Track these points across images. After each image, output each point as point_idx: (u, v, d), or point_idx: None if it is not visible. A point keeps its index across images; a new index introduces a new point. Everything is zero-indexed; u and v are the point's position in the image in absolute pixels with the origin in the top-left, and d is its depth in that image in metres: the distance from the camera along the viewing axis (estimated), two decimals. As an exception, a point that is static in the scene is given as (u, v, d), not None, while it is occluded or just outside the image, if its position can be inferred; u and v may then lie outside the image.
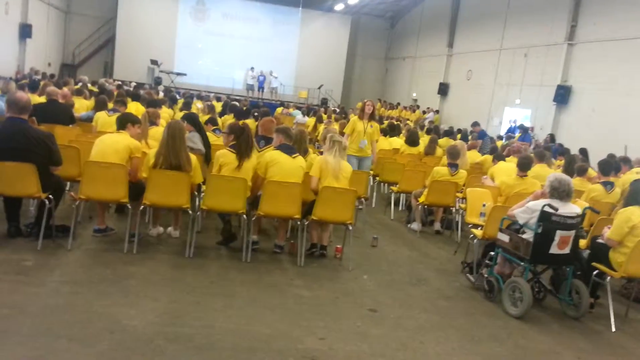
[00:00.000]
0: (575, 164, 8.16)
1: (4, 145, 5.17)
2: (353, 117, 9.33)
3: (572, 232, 5.04)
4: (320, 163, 6.14)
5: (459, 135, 14.12)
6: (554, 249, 4.99)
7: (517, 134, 17.53)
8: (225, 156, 5.94)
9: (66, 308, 4.15)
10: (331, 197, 5.92)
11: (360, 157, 8.83)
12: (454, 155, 7.99)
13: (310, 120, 15.41)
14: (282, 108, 18.75)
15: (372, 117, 8.97)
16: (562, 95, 17.78)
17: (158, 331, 3.95)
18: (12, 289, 4.38)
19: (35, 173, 5.20)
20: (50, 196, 5.42)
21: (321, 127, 12.75)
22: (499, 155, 9.15)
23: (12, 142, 5.20)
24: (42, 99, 9.05)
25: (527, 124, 19.16)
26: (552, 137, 16.75)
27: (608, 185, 7.26)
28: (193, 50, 29.95)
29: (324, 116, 15.96)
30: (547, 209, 4.92)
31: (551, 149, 13.05)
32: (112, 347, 3.65)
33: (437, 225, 8.22)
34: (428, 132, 14.37)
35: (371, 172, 9.28)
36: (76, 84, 15.52)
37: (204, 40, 30.27)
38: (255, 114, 11.77)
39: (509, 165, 7.97)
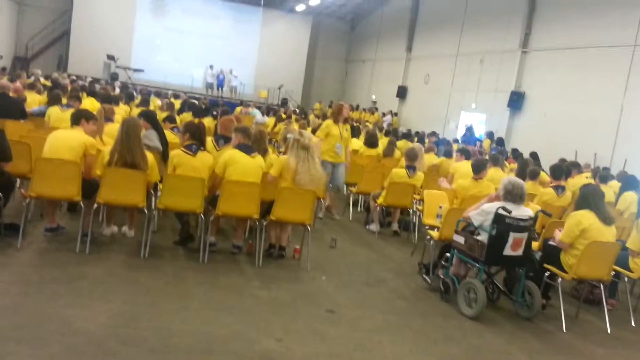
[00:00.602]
0: (528, 168, 8.40)
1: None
2: (327, 121, 8.65)
3: (525, 234, 5.18)
4: (282, 163, 6.11)
5: (416, 138, 14.33)
6: (507, 251, 5.11)
7: (485, 139, 17.95)
8: (179, 156, 5.86)
9: (15, 309, 4.00)
10: (290, 198, 5.91)
11: (336, 164, 8.39)
12: (411, 157, 8.10)
13: (270, 120, 15.35)
14: (241, 107, 18.61)
15: (346, 120, 8.67)
16: (516, 101, 18.27)
17: (111, 333, 3.85)
18: (-44, 289, 4.21)
19: (-18, 169, 5.00)
20: (-1, 193, 5.22)
21: (281, 127, 12.72)
22: (462, 150, 9.38)
23: (-41, 136, 4.99)
24: (-8, 93, 8.72)
25: (482, 129, 19.67)
26: (499, 141, 17.22)
27: (559, 189, 7.49)
28: (151, 46, 29.38)
29: (284, 116, 15.93)
30: (501, 211, 5.04)
31: (503, 153, 13.44)
32: (63, 350, 3.53)
33: (394, 226, 8.31)
34: (386, 134, 14.52)
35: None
36: (28, 77, 15.01)
37: (162, 36, 29.73)
38: (215, 112, 11.64)
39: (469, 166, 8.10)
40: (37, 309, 4.07)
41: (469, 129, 19.17)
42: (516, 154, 13.22)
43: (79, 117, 5.82)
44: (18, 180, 6.17)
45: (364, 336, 4.51)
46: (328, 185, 8.02)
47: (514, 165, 10.47)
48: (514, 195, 5.16)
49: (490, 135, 18.29)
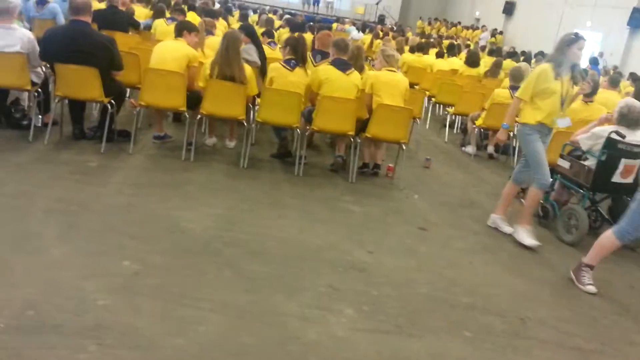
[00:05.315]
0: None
1: (68, 48, 5.25)
2: (542, 67, 4.74)
3: (638, 161, 4.84)
4: (371, 79, 6.01)
5: (522, 57, 13.50)
6: (616, 178, 4.83)
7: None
8: (277, 70, 5.89)
9: (129, 208, 4.34)
10: (386, 115, 5.83)
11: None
12: (516, 77, 7.64)
13: (366, 37, 14.99)
14: (337, 24, 18.26)
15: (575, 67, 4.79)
16: (638, 19, 16.53)
17: (215, 235, 4.10)
18: (79, 187, 4.60)
19: (98, 77, 5.30)
20: (112, 101, 5.55)
21: (378, 44, 12.40)
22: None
23: (76, 44, 5.26)
24: (102, 5, 9.08)
25: (597, 49, 18.10)
26: (593, 60, 15.83)
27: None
28: (248, -39, 29.14)
29: (381, 33, 15.48)
30: (614, 135, 4.72)
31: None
32: (172, 246, 3.82)
33: (490, 149, 8.05)
34: (490, 53, 13.74)
35: (427, 92, 9.05)
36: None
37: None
38: (312, 25, 11.53)
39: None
40: (148, 208, 4.39)
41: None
42: (635, 77, 12.14)
43: (182, 29, 5.97)
44: (128, 90, 6.53)
45: (455, 254, 4.51)
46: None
47: (631, 89, 9.66)
48: (629, 119, 4.79)
49: (593, 60, 16.67)
